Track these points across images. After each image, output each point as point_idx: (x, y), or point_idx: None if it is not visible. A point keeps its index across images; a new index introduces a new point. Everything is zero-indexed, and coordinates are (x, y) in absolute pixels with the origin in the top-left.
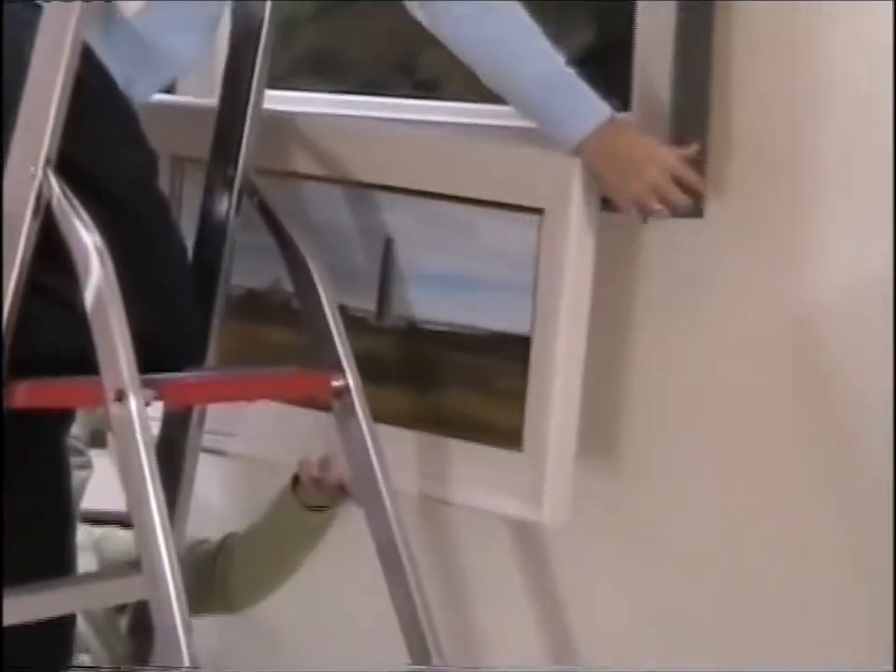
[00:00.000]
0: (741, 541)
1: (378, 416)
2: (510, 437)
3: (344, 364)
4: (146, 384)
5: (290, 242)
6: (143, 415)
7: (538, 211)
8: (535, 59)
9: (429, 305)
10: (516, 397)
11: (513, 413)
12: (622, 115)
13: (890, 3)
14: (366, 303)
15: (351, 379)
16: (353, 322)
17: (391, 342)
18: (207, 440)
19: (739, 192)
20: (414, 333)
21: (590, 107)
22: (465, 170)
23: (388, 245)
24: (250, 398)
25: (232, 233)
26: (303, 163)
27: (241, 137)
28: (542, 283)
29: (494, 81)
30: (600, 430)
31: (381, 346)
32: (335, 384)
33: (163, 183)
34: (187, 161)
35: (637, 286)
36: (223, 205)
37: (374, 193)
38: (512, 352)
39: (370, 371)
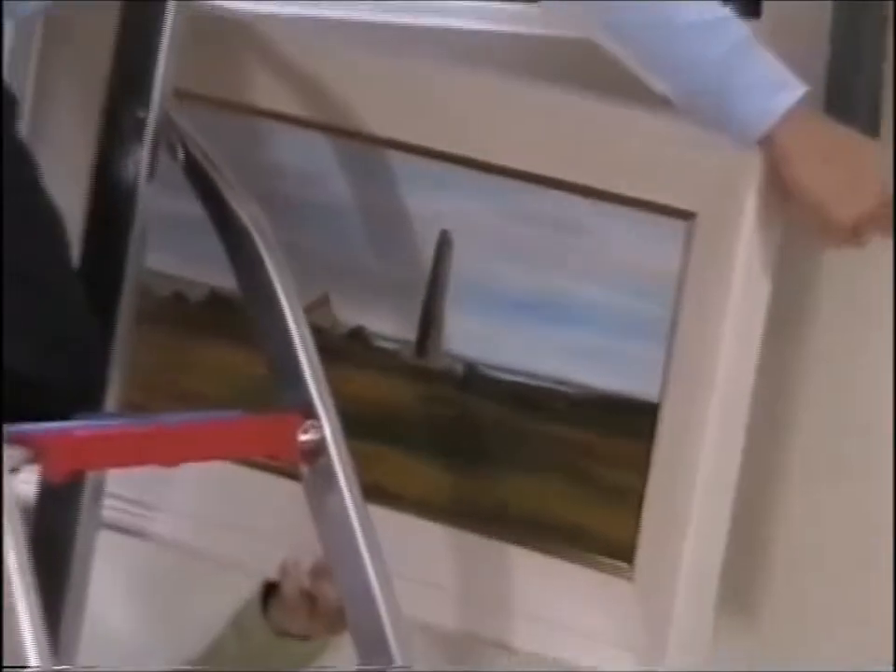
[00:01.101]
0: None
1: (403, 502)
2: (614, 555)
3: (318, 407)
4: (13, 440)
5: (234, 220)
6: (8, 487)
7: (686, 215)
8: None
9: (502, 343)
10: (629, 495)
11: (623, 521)
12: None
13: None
14: (399, 329)
15: (328, 430)
16: (376, 355)
17: (435, 391)
18: (113, 512)
19: None
20: (474, 383)
21: (776, 80)
22: (576, 144)
23: (442, 244)
24: (170, 460)
25: (143, 206)
26: (279, 96)
27: (154, 58)
28: (686, 324)
29: (637, 48)
30: (731, 563)
31: (418, 397)
32: (303, 438)
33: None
34: None
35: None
36: (129, 165)
37: (417, 161)
38: (629, 426)
39: (396, 430)
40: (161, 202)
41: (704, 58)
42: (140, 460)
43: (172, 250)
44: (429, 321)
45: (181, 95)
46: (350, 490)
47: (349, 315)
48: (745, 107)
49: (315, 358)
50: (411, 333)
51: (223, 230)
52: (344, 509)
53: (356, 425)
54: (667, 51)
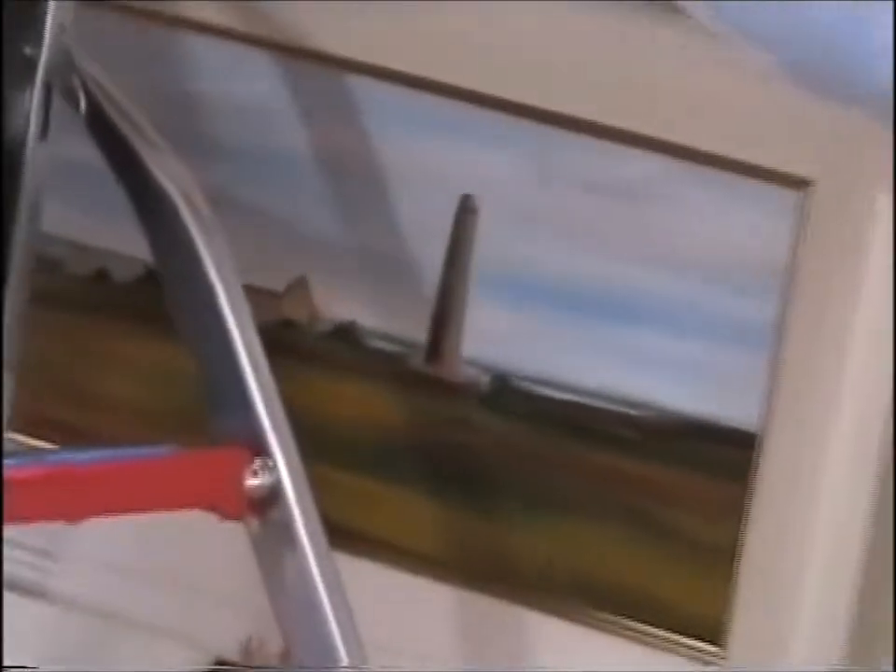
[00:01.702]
0: None
1: (402, 556)
2: (700, 635)
3: (270, 440)
4: None
5: (152, 188)
6: None
7: (800, 184)
8: None
9: (544, 348)
10: (720, 554)
11: (711, 589)
12: None
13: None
14: (403, 326)
15: (285, 471)
16: (371, 360)
17: (451, 410)
18: (7, 564)
19: None
20: (504, 400)
21: None
22: (651, 85)
23: (463, 213)
24: (78, 514)
25: (35, 169)
26: (222, 4)
27: None
28: (798, 328)
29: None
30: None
31: (427, 417)
32: (252, 483)
33: None
34: None
35: None
36: (15, 117)
37: (428, 100)
38: (720, 462)
39: (395, 461)
40: (77, 150)
41: (808, 13)
42: (37, 515)
43: (93, 215)
44: (445, 316)
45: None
46: (314, 550)
47: (335, 305)
48: (875, 77)
49: (267, 373)
50: (419, 332)
51: (138, 200)
52: (306, 574)
53: (340, 452)
54: (757, 7)
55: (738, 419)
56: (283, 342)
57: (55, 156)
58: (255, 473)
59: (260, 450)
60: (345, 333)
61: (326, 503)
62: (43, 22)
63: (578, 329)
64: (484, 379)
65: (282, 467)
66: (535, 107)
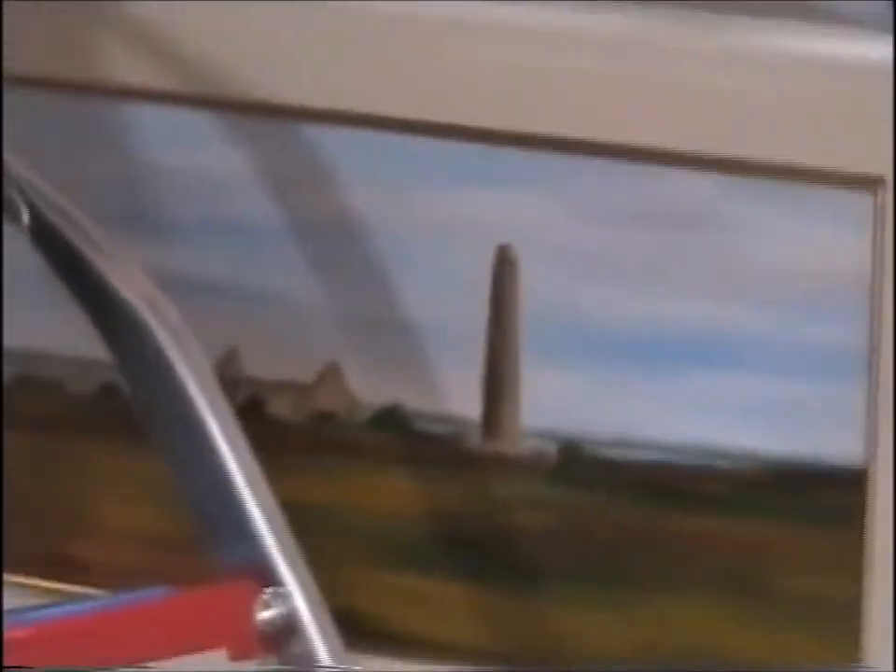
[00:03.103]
0: None
1: (466, 654)
2: None
3: (279, 566)
4: None
5: (114, 304)
6: None
7: (871, 183)
8: None
9: (615, 406)
10: (840, 612)
11: (837, 652)
12: None
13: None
14: (453, 402)
15: (301, 598)
16: (420, 445)
17: (517, 488)
18: None
19: None
20: (576, 470)
21: None
22: (690, 95)
23: (502, 266)
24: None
25: None
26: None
27: None
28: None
29: None
30: None
31: (489, 499)
32: (263, 615)
33: None
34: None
35: None
36: None
37: (438, 146)
38: (825, 506)
39: (457, 555)
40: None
41: None
42: None
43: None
44: (498, 385)
45: (17, 82)
46: None
47: (373, 389)
48: None
49: (266, 491)
50: (472, 407)
51: (96, 313)
52: None
53: (392, 552)
54: None
55: (840, 457)
56: (320, 437)
57: None
58: (266, 606)
59: (269, 579)
60: (388, 419)
61: (378, 610)
62: None
63: (648, 380)
64: (551, 448)
65: (296, 594)
66: (558, 137)
